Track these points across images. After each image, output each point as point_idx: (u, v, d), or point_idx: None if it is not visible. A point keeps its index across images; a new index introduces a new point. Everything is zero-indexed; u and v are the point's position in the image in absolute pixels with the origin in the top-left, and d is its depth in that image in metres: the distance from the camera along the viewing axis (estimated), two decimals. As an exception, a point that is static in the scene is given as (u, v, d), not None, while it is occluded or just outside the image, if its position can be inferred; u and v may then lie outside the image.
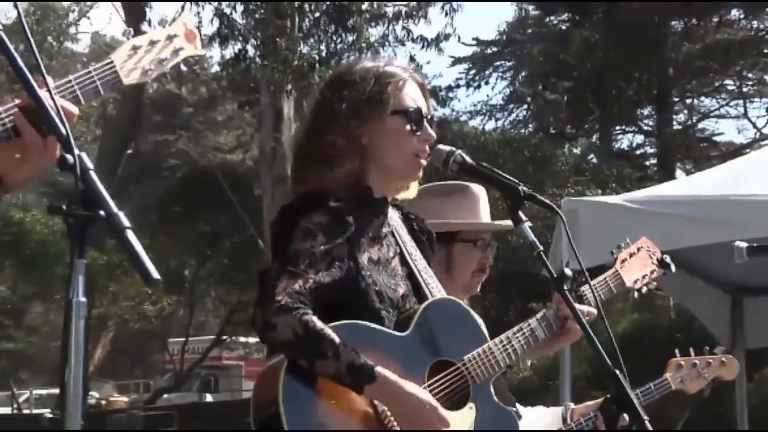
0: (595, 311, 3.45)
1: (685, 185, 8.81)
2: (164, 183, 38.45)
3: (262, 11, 21.67)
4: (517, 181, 3.25)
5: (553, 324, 3.43)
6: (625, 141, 38.81)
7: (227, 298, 36.84)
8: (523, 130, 35.97)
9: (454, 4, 23.92)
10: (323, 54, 21.60)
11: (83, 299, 2.11)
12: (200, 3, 22.25)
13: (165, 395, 34.87)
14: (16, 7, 2.50)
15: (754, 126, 37.96)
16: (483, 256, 4.00)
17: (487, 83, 38.01)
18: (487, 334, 3.32)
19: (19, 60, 2.29)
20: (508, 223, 3.39)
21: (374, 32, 23.06)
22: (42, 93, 2.29)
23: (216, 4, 21.95)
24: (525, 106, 38.66)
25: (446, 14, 23.93)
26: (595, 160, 31.72)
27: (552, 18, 38.38)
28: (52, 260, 28.40)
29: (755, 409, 12.07)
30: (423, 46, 23.36)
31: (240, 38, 21.81)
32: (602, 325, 3.23)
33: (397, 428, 2.97)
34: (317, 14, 21.99)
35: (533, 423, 4.04)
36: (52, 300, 33.55)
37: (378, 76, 3.22)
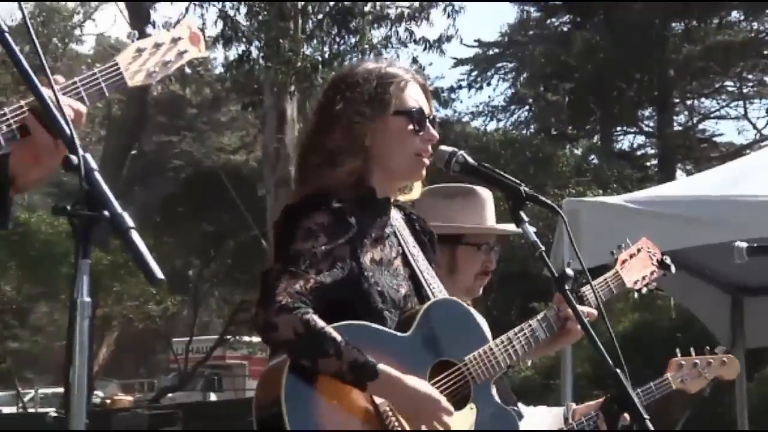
0: (595, 312, 3.45)
1: (685, 186, 8.80)
2: (168, 183, 38.56)
3: (266, 13, 21.66)
4: (518, 181, 3.26)
5: (553, 325, 3.43)
6: (625, 142, 38.86)
7: (231, 297, 36.88)
8: (524, 131, 35.99)
9: (456, 5, 23.96)
10: (326, 55, 21.64)
11: (88, 299, 2.12)
12: (204, 5, 22.36)
13: (169, 394, 34.83)
14: (21, 8, 2.47)
15: (754, 127, 38.12)
16: (486, 259, 4.00)
17: (488, 84, 38.14)
18: (488, 335, 3.34)
19: (24, 61, 2.30)
20: (514, 228, 3.39)
21: (377, 34, 23.06)
22: (47, 93, 2.31)
23: (220, 6, 21.98)
24: (526, 107, 38.68)
25: (448, 16, 23.87)
26: (596, 161, 31.75)
27: (553, 20, 38.33)
28: (57, 260, 28.54)
29: (755, 408, 12.00)
30: (425, 48, 23.37)
31: (243, 40, 21.80)
32: (603, 325, 3.25)
33: (398, 428, 2.99)
34: (320, 16, 22.03)
35: (535, 423, 4.05)
36: (57, 300, 33.47)
37: (380, 77, 3.22)
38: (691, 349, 4.33)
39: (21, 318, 36.43)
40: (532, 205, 3.24)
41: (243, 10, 22.03)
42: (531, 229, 3.21)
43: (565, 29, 37.50)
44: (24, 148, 2.48)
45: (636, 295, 3.88)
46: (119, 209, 2.10)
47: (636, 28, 32.64)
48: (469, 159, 3.30)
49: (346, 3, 21.93)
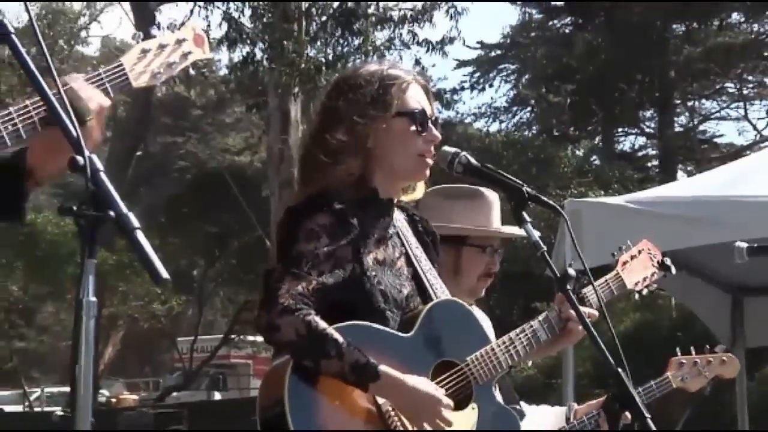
0: (596, 313, 3.46)
1: (686, 186, 8.79)
2: (173, 184, 38.53)
3: (270, 15, 21.78)
4: (520, 182, 3.26)
5: (555, 326, 3.44)
6: (627, 143, 38.74)
7: (235, 297, 36.82)
8: (526, 132, 35.85)
9: (459, 7, 24.00)
10: (330, 57, 21.75)
11: (94, 299, 2.12)
12: (209, 7, 22.47)
13: (174, 393, 34.70)
14: (27, 10, 2.50)
15: (755, 128, 38.06)
16: (490, 261, 4.00)
17: (491, 86, 38.14)
18: (490, 335, 3.38)
19: (31, 63, 2.30)
20: (519, 231, 3.40)
21: (380, 36, 23.16)
22: (53, 95, 2.31)
23: (224, 8, 22.14)
24: (528, 109, 38.62)
25: (451, 18, 23.89)
26: (597, 162, 31.77)
27: (555, 22, 38.26)
28: (63, 260, 28.71)
29: (755, 407, 11.99)
30: (428, 50, 23.42)
31: (248, 42, 21.95)
32: (604, 324, 3.28)
33: (400, 428, 3.01)
34: (324, 18, 22.12)
35: (537, 422, 4.07)
36: (63, 299, 33.64)
37: (382, 79, 3.23)
38: (692, 348, 4.37)
39: (27, 317, 36.41)
40: (534, 205, 3.25)
41: (247, 12, 22.19)
42: (534, 231, 3.22)
43: (567, 31, 37.45)
44: (44, 140, 2.52)
45: (637, 295, 3.90)
46: (125, 210, 2.10)
47: (637, 29, 32.57)
48: (472, 160, 3.31)
49: (349, 5, 22.02)
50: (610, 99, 35.31)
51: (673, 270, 3.93)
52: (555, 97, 36.34)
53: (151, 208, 35.17)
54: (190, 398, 33.14)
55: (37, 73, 2.30)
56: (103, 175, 2.14)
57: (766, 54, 34.98)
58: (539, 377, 22.34)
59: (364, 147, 3.18)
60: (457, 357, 3.20)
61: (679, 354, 4.35)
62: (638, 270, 3.82)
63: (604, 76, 33.89)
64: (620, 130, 38.01)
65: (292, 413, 2.88)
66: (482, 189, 3.99)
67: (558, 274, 3.25)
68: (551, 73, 35.75)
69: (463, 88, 37.20)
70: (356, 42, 22.35)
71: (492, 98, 52.21)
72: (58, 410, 28.30)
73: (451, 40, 24.09)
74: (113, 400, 35.15)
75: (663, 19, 33.87)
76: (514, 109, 38.67)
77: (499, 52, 38.89)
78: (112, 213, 2.09)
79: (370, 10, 22.63)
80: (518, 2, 37.71)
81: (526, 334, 3.37)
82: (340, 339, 2.90)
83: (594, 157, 32.75)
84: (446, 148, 3.32)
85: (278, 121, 21.92)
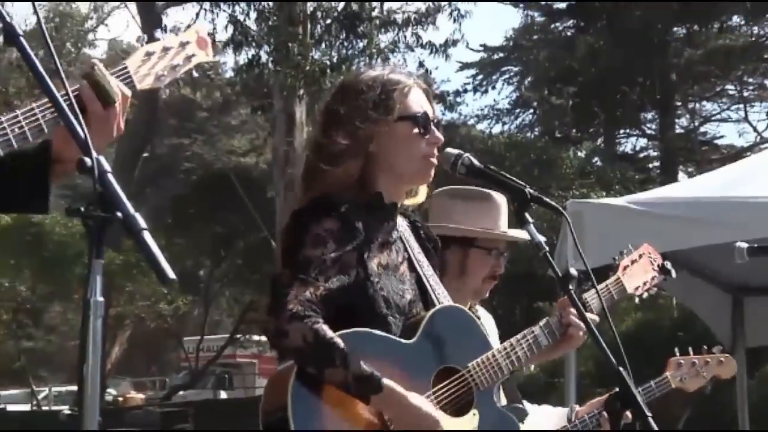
0: (597, 318, 3.49)
1: (687, 187, 8.85)
2: (179, 185, 38.45)
3: (275, 18, 21.77)
4: (523, 183, 3.27)
5: (555, 331, 3.48)
6: (628, 144, 38.66)
7: (241, 297, 36.79)
8: (529, 134, 35.92)
9: (462, 9, 23.97)
10: (334, 60, 21.69)
11: (101, 299, 2.12)
12: (215, 10, 22.47)
13: (180, 392, 34.82)
14: (36, 12, 2.51)
15: (755, 130, 38.01)
16: (496, 264, 4.04)
17: (494, 88, 38.14)
18: (492, 336, 3.47)
19: (39, 65, 2.30)
20: (525, 235, 3.37)
21: (384, 38, 23.10)
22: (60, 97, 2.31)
23: (230, 11, 22.12)
24: (531, 111, 38.61)
25: (454, 21, 23.90)
26: (599, 163, 31.80)
27: (557, 25, 38.28)
28: (71, 261, 28.77)
29: (756, 406, 11.95)
30: (432, 52, 23.37)
31: (253, 44, 21.90)
32: (606, 325, 3.28)
33: None
34: (329, 21, 22.09)
35: (540, 422, 4.09)
36: (70, 299, 33.65)
37: (384, 84, 3.24)
38: (690, 349, 4.43)
39: (35, 317, 36.33)
40: (537, 206, 3.26)
41: (253, 15, 22.12)
42: (537, 233, 3.22)
43: (569, 34, 37.41)
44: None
45: (637, 299, 3.90)
46: (132, 210, 2.11)
47: (638, 32, 32.50)
48: (475, 161, 3.32)
49: (354, 8, 22.00)
50: (611, 101, 35.21)
51: (674, 274, 3.96)
52: (557, 99, 36.34)
53: (158, 208, 35.04)
54: (197, 397, 33.27)
55: (45, 75, 2.31)
56: (110, 177, 2.15)
57: (766, 56, 34.91)
58: (541, 376, 21.94)
59: (366, 150, 3.19)
60: (459, 363, 3.22)
61: (677, 354, 4.41)
62: (639, 274, 3.85)
63: (605, 79, 33.78)
64: (622, 131, 37.95)
65: (294, 419, 2.89)
66: (491, 192, 4.01)
67: (560, 275, 3.27)
68: (553, 75, 35.66)
69: (466, 91, 37.30)
70: (360, 45, 22.28)
71: (495, 100, 52.02)
72: (65, 409, 28.32)
73: (455, 43, 24.15)
74: (120, 399, 35.18)
75: (664, 22, 33.84)
76: (517, 111, 38.70)
77: (501, 54, 38.85)
78: (119, 214, 2.11)
79: (374, 13, 22.50)
80: (521, 5, 37.76)
81: (527, 340, 3.41)
82: (347, 349, 2.90)
83: (596, 158, 32.80)
84: (449, 149, 3.33)
85: (283, 123, 21.87)
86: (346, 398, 2.94)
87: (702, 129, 38.00)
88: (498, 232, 4.02)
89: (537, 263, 18.71)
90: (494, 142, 31.21)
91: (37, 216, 28.15)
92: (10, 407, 34.68)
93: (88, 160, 2.15)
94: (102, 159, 2.16)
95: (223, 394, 36.11)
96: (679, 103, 37.08)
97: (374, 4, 22.67)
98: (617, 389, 3.08)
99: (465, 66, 37.45)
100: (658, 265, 3.92)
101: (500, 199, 4.02)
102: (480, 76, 37.83)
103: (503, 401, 3.69)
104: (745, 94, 36.73)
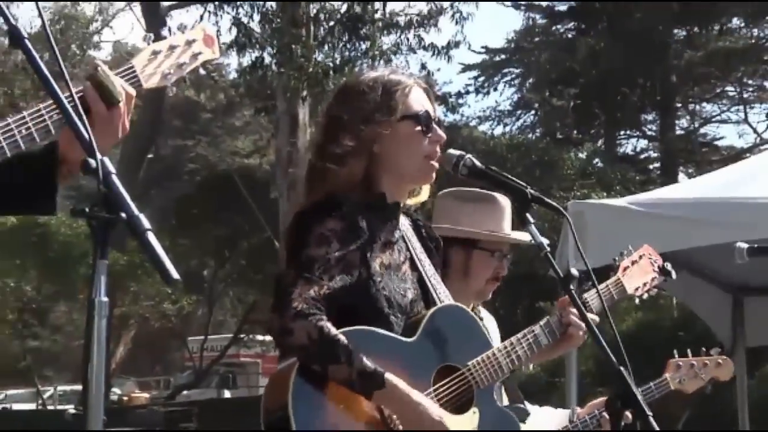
0: (597, 318, 3.50)
1: (687, 188, 8.86)
2: (184, 186, 38.54)
3: (279, 20, 21.91)
4: (524, 184, 3.27)
5: (555, 330, 3.49)
6: (629, 146, 38.69)
7: (245, 297, 36.80)
8: (530, 135, 35.92)
9: (464, 12, 24.15)
10: (337, 61, 21.80)
11: (105, 299, 2.11)
12: (219, 12, 22.52)
13: (184, 392, 34.82)
14: (40, 15, 2.50)
15: (755, 131, 38.04)
16: (499, 265, 4.03)
17: (495, 90, 38.20)
18: (493, 336, 3.49)
19: (44, 67, 2.30)
20: (528, 237, 3.35)
21: (387, 40, 23.24)
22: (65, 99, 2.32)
23: (234, 13, 22.24)
24: (532, 112, 38.63)
25: (456, 23, 24.13)
26: (600, 164, 31.85)
27: (558, 27, 38.30)
28: (76, 261, 28.84)
29: (756, 406, 11.84)
30: (434, 54, 23.54)
31: (257, 46, 22.03)
32: (607, 324, 3.28)
33: None
34: (332, 23, 22.19)
35: (541, 422, 4.11)
36: (75, 299, 33.70)
37: (385, 85, 3.25)
38: (688, 351, 4.44)
39: (40, 317, 36.29)
40: (538, 207, 3.26)
41: (256, 17, 22.28)
42: (539, 235, 3.22)
43: (570, 36, 37.46)
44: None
45: (637, 299, 3.92)
46: (136, 211, 2.10)
47: (639, 34, 32.51)
48: (477, 162, 3.32)
49: (356, 10, 22.08)
50: (612, 102, 35.24)
51: (674, 275, 3.96)
52: (558, 101, 36.40)
53: (162, 209, 35.21)
54: (200, 396, 33.21)
55: (50, 77, 2.30)
56: (114, 178, 2.14)
57: (765, 58, 34.93)
58: (542, 375, 22.24)
59: (369, 151, 3.19)
60: (459, 361, 3.22)
61: (676, 356, 4.43)
62: (639, 275, 3.86)
63: (606, 80, 33.81)
64: (622, 133, 37.95)
65: (295, 416, 2.90)
66: (495, 194, 4.00)
67: (561, 275, 3.27)
68: (555, 77, 35.66)
69: (468, 92, 37.29)
70: (363, 46, 22.36)
71: (496, 102, 52.19)
72: (70, 408, 28.28)
73: (457, 45, 24.30)
74: (125, 398, 35.21)
75: (664, 23, 33.87)
76: (518, 112, 38.74)
77: (503, 56, 38.85)
78: (123, 215, 2.10)
79: (377, 15, 22.60)
80: (522, 8, 37.85)
81: (527, 339, 3.41)
82: (351, 346, 2.92)
83: (597, 159, 32.85)
84: (451, 150, 3.33)
85: (287, 124, 22.01)
86: (347, 395, 2.95)
87: (702, 130, 38.09)
88: (501, 235, 4.03)
89: (539, 264, 18.51)
90: (496, 143, 31.31)
91: (43, 216, 28.31)
92: (16, 406, 34.92)
93: (92, 161, 2.15)
94: (106, 160, 2.15)
95: (227, 394, 36.05)
96: (679, 105, 37.13)
97: (377, 6, 22.78)
98: (617, 392, 3.09)
99: (467, 68, 37.53)
100: (658, 267, 3.94)
101: (504, 201, 4.03)
102: (482, 78, 37.86)
103: (505, 401, 3.72)
104: (745, 95, 36.80)
